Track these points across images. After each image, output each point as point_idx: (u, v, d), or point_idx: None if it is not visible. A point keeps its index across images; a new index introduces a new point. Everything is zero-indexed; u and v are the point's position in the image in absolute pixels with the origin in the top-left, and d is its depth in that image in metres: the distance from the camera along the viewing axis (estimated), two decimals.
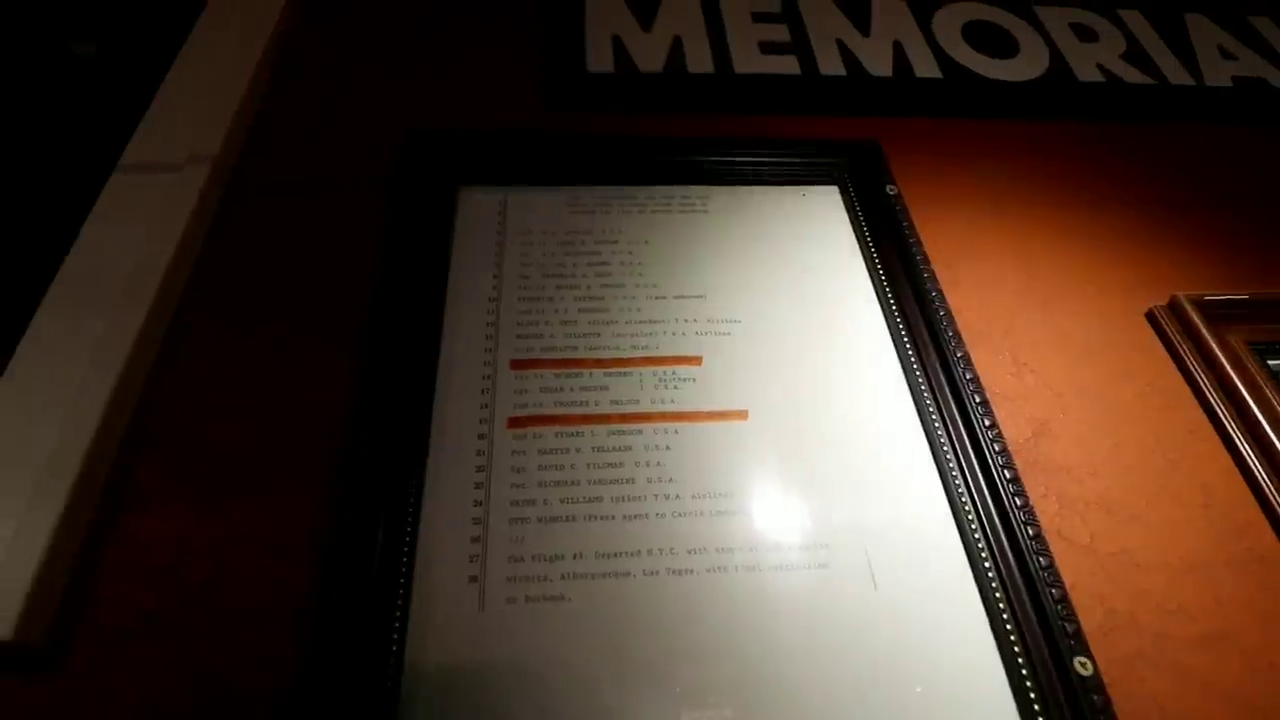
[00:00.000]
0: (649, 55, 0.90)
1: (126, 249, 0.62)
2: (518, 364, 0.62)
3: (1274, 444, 0.59)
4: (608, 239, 0.72)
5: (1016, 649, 0.49)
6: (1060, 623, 0.49)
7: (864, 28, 0.96)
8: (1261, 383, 0.63)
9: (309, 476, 0.53)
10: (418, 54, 0.89)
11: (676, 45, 0.92)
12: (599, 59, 0.89)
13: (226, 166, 0.73)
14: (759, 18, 0.96)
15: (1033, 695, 0.47)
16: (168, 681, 0.45)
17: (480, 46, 0.90)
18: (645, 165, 0.78)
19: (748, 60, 0.91)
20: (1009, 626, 0.50)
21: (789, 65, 0.90)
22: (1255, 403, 0.61)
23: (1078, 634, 0.49)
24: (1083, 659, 0.48)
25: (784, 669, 0.48)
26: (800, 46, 0.92)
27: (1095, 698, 0.47)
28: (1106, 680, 0.49)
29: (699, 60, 0.90)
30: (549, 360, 0.62)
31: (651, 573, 0.51)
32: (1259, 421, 0.60)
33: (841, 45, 0.93)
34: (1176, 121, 0.91)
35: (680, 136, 0.80)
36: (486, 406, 0.59)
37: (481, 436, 0.58)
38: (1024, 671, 0.48)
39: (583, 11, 0.94)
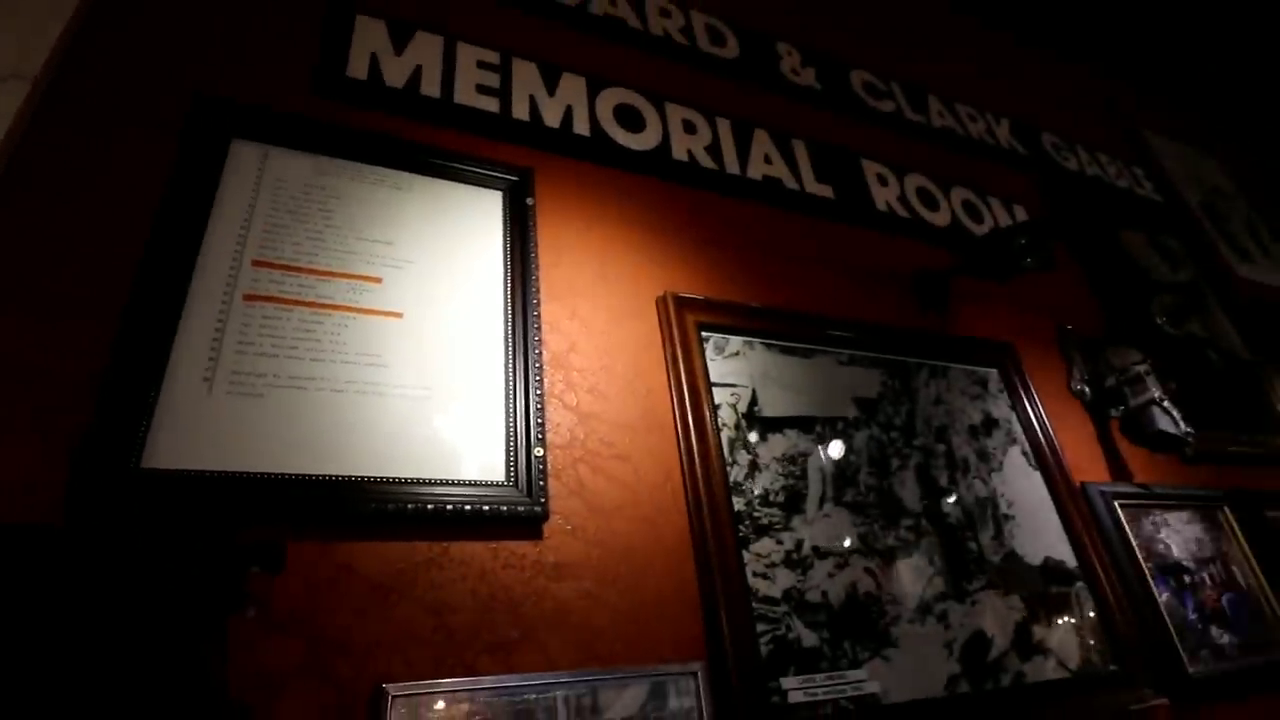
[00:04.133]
0: (396, 73, 1.29)
1: None
2: (257, 262, 0.98)
3: (680, 368, 1.15)
4: (334, 195, 1.10)
5: (510, 443, 0.97)
6: (536, 433, 0.99)
7: (551, 91, 1.43)
8: (692, 341, 1.20)
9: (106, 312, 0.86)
10: (219, 26, 1.18)
11: (417, 71, 1.31)
12: (356, 69, 1.25)
13: (40, 89, 0.98)
14: (482, 65, 1.39)
15: (510, 464, 0.96)
16: None
17: (271, 35, 1.22)
18: (374, 150, 1.17)
19: (466, 94, 1.33)
20: (510, 433, 0.98)
21: (492, 105, 1.34)
22: (682, 351, 1.18)
23: (542, 440, 0.99)
24: (539, 450, 0.98)
25: (388, 429, 0.92)
26: (504, 93, 1.37)
27: (543, 472, 0.97)
28: (555, 467, 0.99)
29: (431, 86, 1.30)
30: (279, 264, 1.00)
31: (318, 390, 0.92)
32: (678, 358, 1.17)
33: (531, 100, 1.39)
34: (721, 194, 1.50)
35: (404, 138, 1.20)
36: (230, 284, 0.95)
37: (224, 305, 0.94)
38: (509, 451, 0.97)
39: (353, 29, 1.30)
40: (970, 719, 1.04)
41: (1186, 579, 1.42)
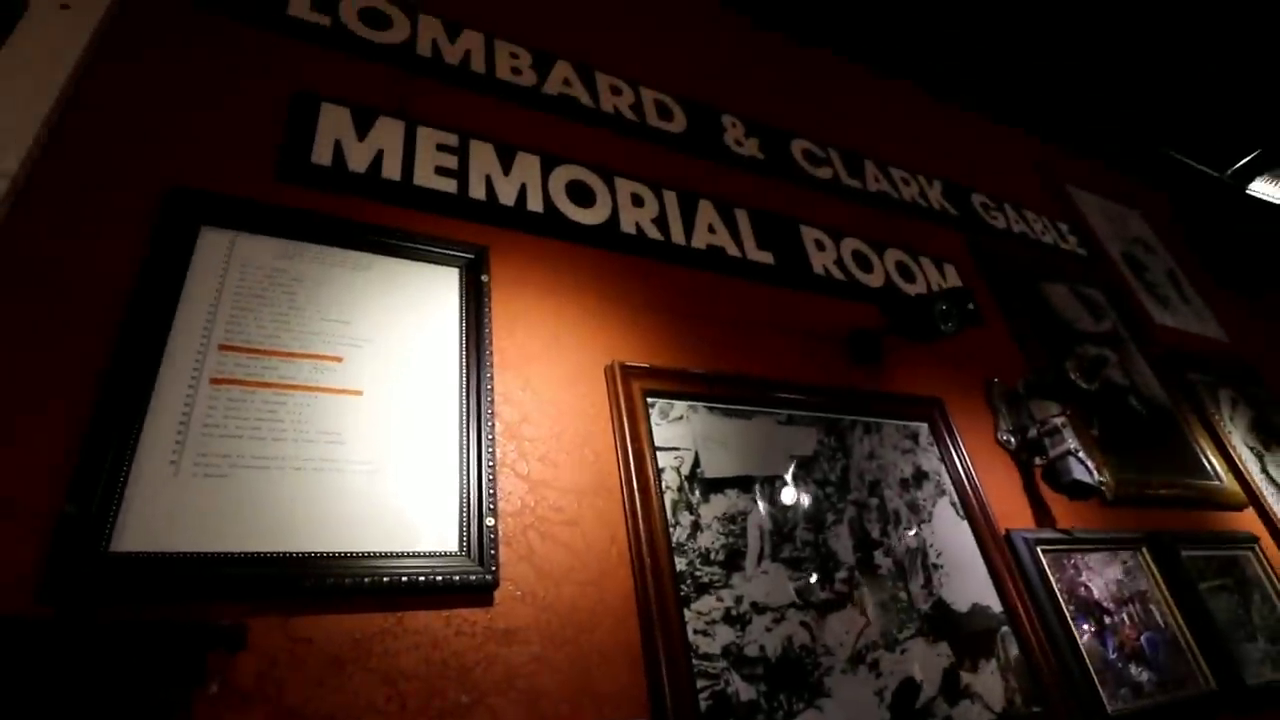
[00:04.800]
0: (358, 158, 1.37)
1: None
2: (224, 346, 1.05)
3: (626, 434, 1.23)
4: (298, 278, 1.17)
5: (463, 514, 1.04)
6: (489, 503, 1.05)
7: (506, 170, 1.53)
8: (638, 407, 1.28)
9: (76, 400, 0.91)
10: (188, 116, 1.25)
11: (379, 155, 1.40)
12: (321, 155, 1.34)
13: (19, 185, 1.04)
14: (441, 147, 1.48)
15: (463, 534, 1.02)
16: None
17: (239, 123, 1.30)
18: (337, 233, 1.24)
19: (425, 176, 1.42)
20: (464, 504, 1.05)
21: (450, 185, 1.43)
22: (628, 418, 1.26)
23: (494, 509, 1.06)
24: (491, 520, 1.04)
25: (346, 505, 0.97)
26: (461, 174, 1.46)
27: (494, 540, 1.03)
28: (506, 535, 1.06)
29: (392, 169, 1.39)
30: (244, 347, 1.06)
31: (280, 469, 0.98)
32: (624, 425, 1.25)
33: (488, 179, 1.49)
34: (668, 263, 1.61)
35: (366, 220, 1.28)
36: (198, 369, 1.01)
37: (191, 389, 1.00)
38: (462, 522, 1.03)
39: (318, 117, 1.38)
40: None
41: (1107, 620, 1.53)
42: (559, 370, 1.30)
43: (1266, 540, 2.12)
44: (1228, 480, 2.23)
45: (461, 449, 1.11)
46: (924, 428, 1.64)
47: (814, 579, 1.25)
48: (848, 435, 1.51)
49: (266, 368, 1.06)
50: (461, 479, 1.07)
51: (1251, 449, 2.47)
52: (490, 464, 1.10)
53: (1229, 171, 3.25)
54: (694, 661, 1.05)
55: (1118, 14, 2.95)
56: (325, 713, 0.83)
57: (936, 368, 1.85)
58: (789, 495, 1.34)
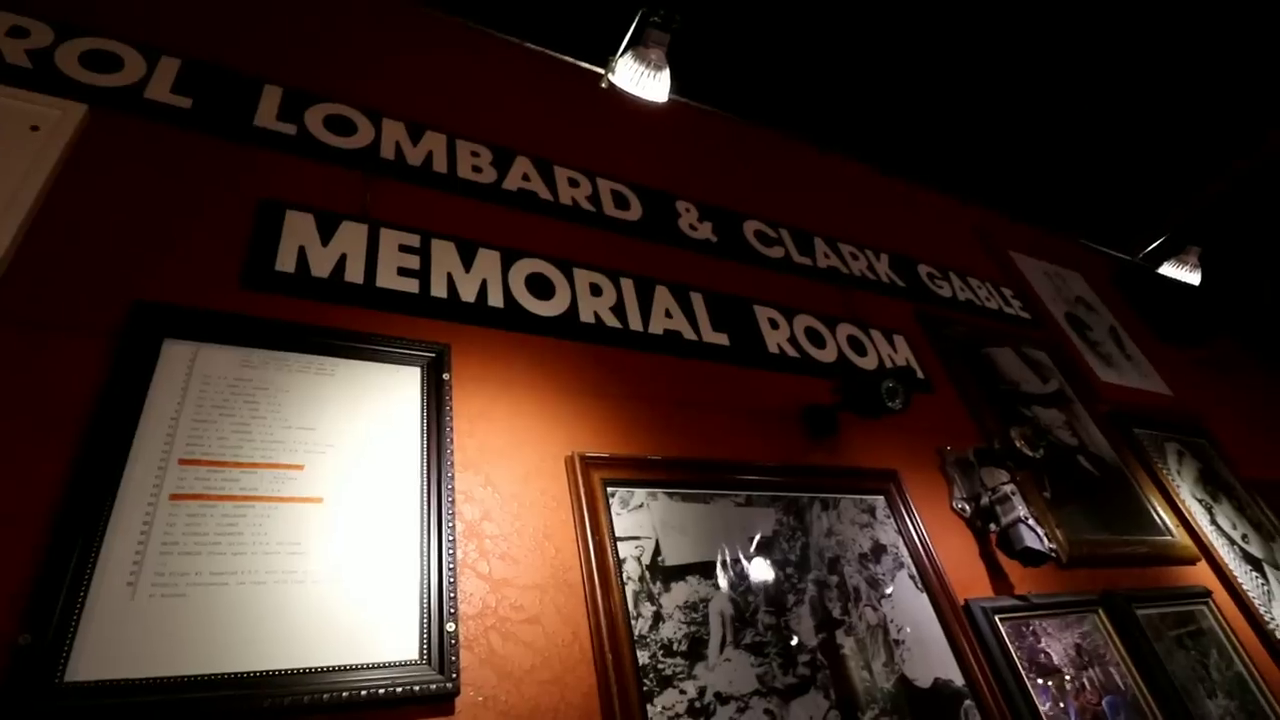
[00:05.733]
0: (321, 264, 1.42)
1: None
2: (184, 460, 1.06)
3: (586, 525, 1.26)
4: (261, 386, 1.20)
5: (424, 620, 1.05)
6: (449, 606, 1.07)
7: (468, 267, 1.59)
8: (598, 498, 1.31)
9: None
10: (158, 229, 1.30)
11: (342, 259, 1.45)
12: (285, 262, 1.38)
13: None
14: (403, 248, 1.55)
15: (423, 642, 1.03)
16: None
17: (203, 232, 1.34)
18: (299, 339, 1.28)
19: (387, 278, 1.47)
20: (424, 610, 1.06)
21: (412, 285, 1.49)
22: (588, 509, 1.29)
23: (454, 614, 1.07)
24: (451, 625, 1.05)
25: (306, 618, 0.98)
26: (423, 273, 1.52)
27: (453, 644, 1.04)
28: (467, 638, 1.07)
29: (355, 272, 1.44)
30: (205, 460, 1.08)
31: (240, 584, 0.99)
32: (585, 517, 1.28)
33: (449, 277, 1.55)
34: (626, 349, 1.67)
35: (328, 324, 1.33)
36: (158, 485, 1.02)
37: (150, 506, 1.01)
38: (423, 628, 1.04)
39: (282, 224, 1.44)
40: None
41: (1067, 684, 1.56)
42: (520, 465, 1.33)
43: (1220, 593, 2.19)
44: (1179, 534, 2.31)
45: (422, 552, 1.12)
46: (880, 500, 1.69)
47: (777, 664, 1.27)
48: (806, 513, 1.55)
49: (227, 480, 1.07)
50: (422, 583, 1.09)
51: (1200, 500, 2.56)
52: (451, 565, 1.12)
53: (1141, 255, 3.48)
54: None
55: (1049, 96, 3.20)
56: None
57: (890, 438, 1.91)
58: (750, 577, 1.37)
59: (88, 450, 1.00)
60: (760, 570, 1.39)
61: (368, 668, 0.97)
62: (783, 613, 1.35)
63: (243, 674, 0.90)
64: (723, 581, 1.33)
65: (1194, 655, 1.87)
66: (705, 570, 1.33)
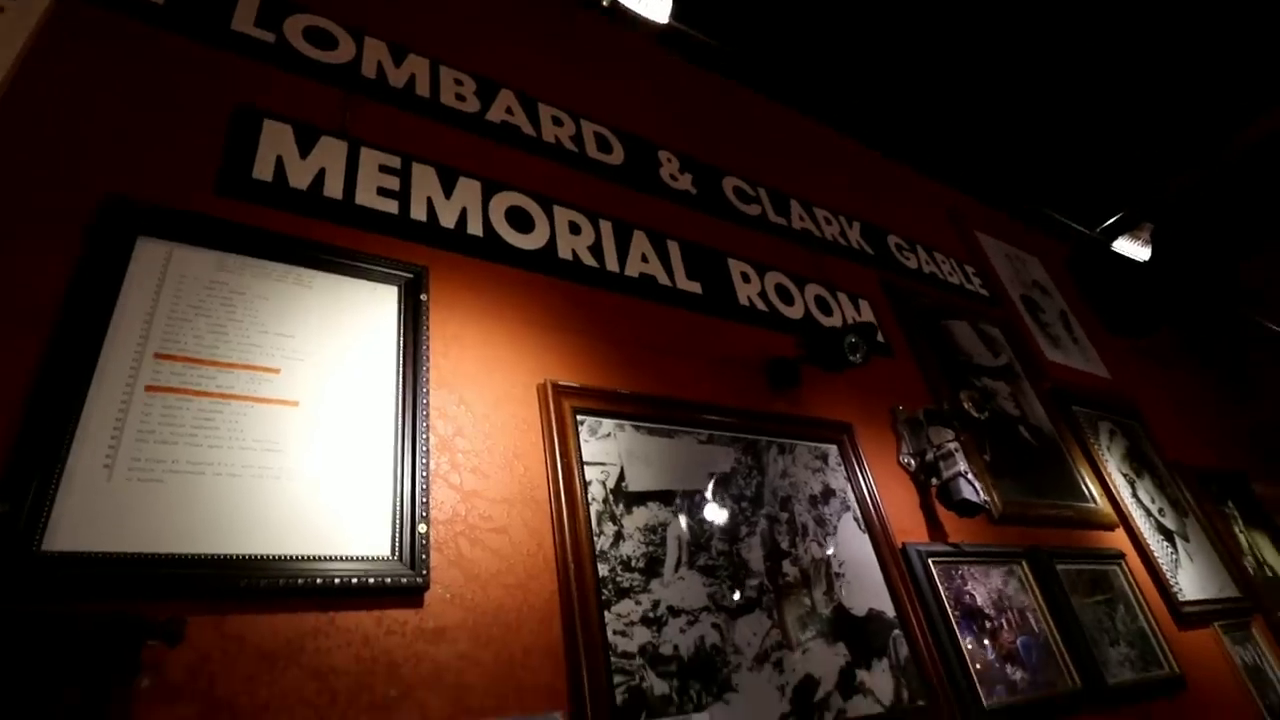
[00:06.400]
0: (300, 176, 1.41)
1: None
2: (159, 355, 1.07)
3: (556, 449, 1.31)
4: (238, 290, 1.20)
5: (396, 521, 1.09)
6: (421, 511, 1.11)
7: (448, 194, 1.60)
8: (568, 424, 1.36)
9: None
10: (130, 127, 1.27)
11: (321, 174, 1.44)
12: (262, 170, 1.37)
13: None
14: (384, 169, 1.54)
15: (395, 541, 1.07)
16: None
17: (180, 136, 1.32)
18: (278, 248, 1.28)
19: (367, 197, 1.47)
20: (397, 512, 1.10)
21: (391, 206, 1.49)
22: (558, 434, 1.34)
23: (426, 517, 1.11)
24: (423, 527, 1.10)
25: (281, 511, 1.01)
26: (403, 195, 1.52)
27: (426, 546, 1.09)
28: (437, 541, 1.11)
29: (334, 188, 1.44)
30: (181, 356, 1.09)
31: (215, 475, 1.01)
32: (554, 440, 1.32)
33: (429, 201, 1.55)
34: (601, 289, 1.70)
35: (307, 236, 1.33)
36: (133, 376, 1.03)
37: (125, 395, 1.02)
38: (395, 529, 1.08)
39: (259, 132, 1.42)
40: None
41: (988, 625, 1.69)
42: (493, 388, 1.37)
43: (1132, 556, 2.36)
44: (1102, 503, 2.48)
45: (396, 459, 1.16)
46: (834, 449, 1.78)
47: (727, 586, 1.35)
48: (764, 455, 1.63)
49: (204, 377, 1.09)
50: (396, 488, 1.13)
51: (1125, 475, 2.73)
52: (424, 474, 1.15)
53: (1098, 229, 3.63)
54: (612, 659, 1.13)
55: (1029, 82, 3.28)
56: (257, 705, 0.86)
57: (848, 395, 2.00)
58: (707, 509, 1.44)
59: (60, 336, 1.00)
60: (717, 502, 1.46)
61: (342, 559, 1.01)
62: (735, 541, 1.43)
63: (219, 555, 0.94)
64: (681, 510, 1.40)
65: (1103, 609, 2.03)
66: (665, 498, 1.39)
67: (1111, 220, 3.54)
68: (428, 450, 1.19)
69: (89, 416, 0.97)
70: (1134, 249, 3.44)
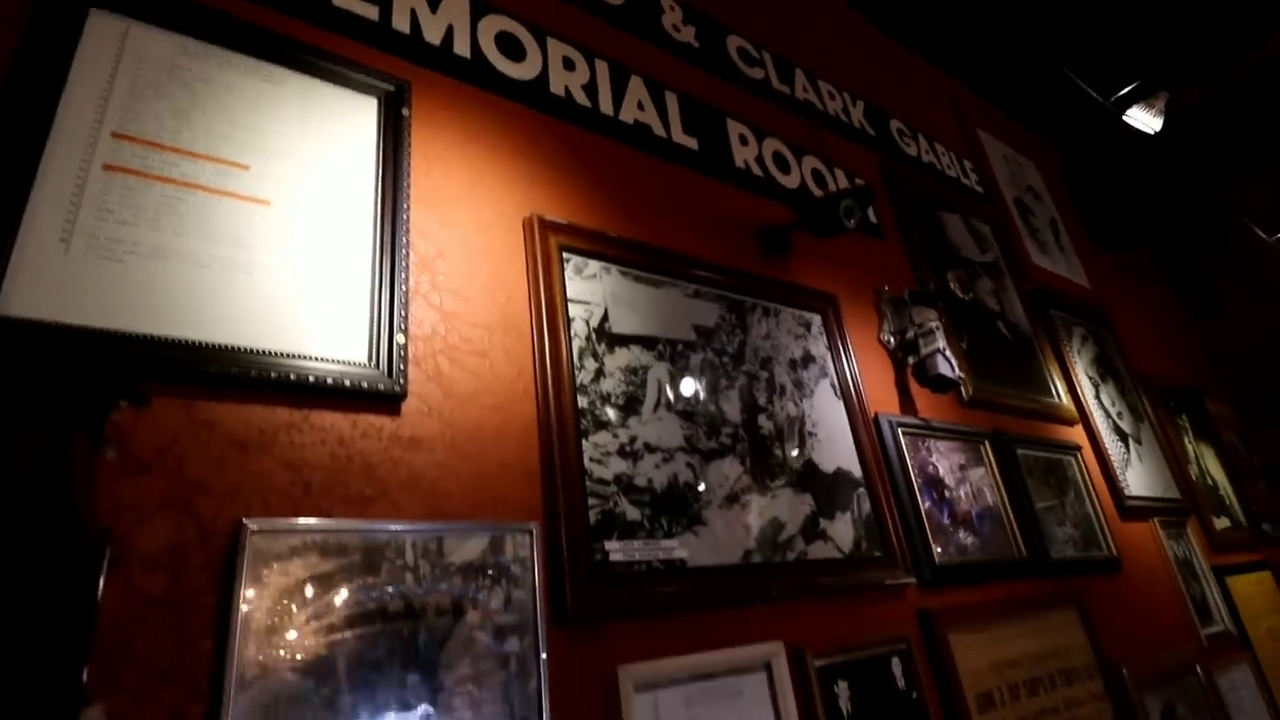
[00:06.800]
0: None
1: None
2: (117, 134, 0.99)
3: (540, 282, 1.27)
4: (201, 79, 1.10)
5: (373, 329, 1.06)
6: (400, 324, 1.07)
7: (434, 8, 1.47)
8: (553, 259, 1.32)
9: None
10: None
11: None
12: None
13: None
14: None
15: (372, 348, 1.04)
16: None
17: None
18: (246, 39, 1.17)
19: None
20: (374, 321, 1.06)
21: (372, 12, 1.36)
22: (543, 268, 1.29)
23: (405, 330, 1.08)
24: (401, 338, 1.07)
25: (252, 306, 0.97)
26: (384, 3, 1.39)
27: (404, 358, 1.06)
28: (415, 356, 1.09)
29: None
30: (141, 139, 1.00)
31: (181, 263, 0.96)
32: (539, 274, 1.28)
33: (413, 13, 1.42)
34: (593, 132, 1.61)
35: (278, 31, 1.21)
36: (88, 156, 0.95)
37: (81, 172, 0.94)
38: (372, 336, 1.05)
39: None
40: (759, 580, 1.27)
41: (947, 494, 1.75)
42: (477, 214, 1.31)
43: (1087, 451, 2.46)
44: (1066, 400, 2.54)
45: (374, 272, 1.11)
46: (817, 319, 1.77)
47: (703, 431, 1.36)
48: (748, 315, 1.61)
49: (166, 163, 1.01)
50: (373, 299, 1.09)
51: (1090, 378, 2.80)
52: (404, 289, 1.11)
53: (1111, 99, 3.56)
54: (587, 484, 1.14)
55: None
56: (228, 487, 0.85)
57: (836, 271, 1.97)
58: (688, 357, 1.43)
59: (4, 110, 0.91)
60: (698, 353, 1.45)
61: (316, 359, 0.98)
62: (715, 392, 1.43)
63: (187, 340, 0.90)
64: (664, 356, 1.39)
65: (1054, 492, 2.12)
66: (648, 343, 1.38)
67: (1126, 90, 3.45)
68: (407, 266, 1.14)
69: (42, 188, 0.90)
70: (1148, 119, 3.36)
